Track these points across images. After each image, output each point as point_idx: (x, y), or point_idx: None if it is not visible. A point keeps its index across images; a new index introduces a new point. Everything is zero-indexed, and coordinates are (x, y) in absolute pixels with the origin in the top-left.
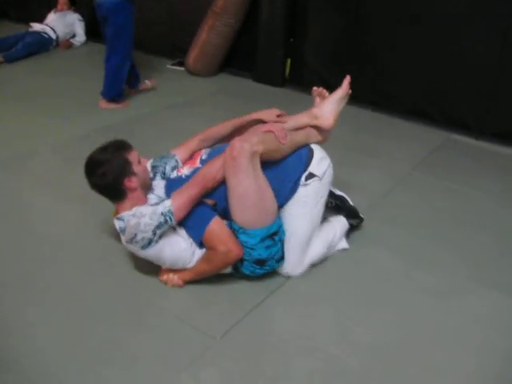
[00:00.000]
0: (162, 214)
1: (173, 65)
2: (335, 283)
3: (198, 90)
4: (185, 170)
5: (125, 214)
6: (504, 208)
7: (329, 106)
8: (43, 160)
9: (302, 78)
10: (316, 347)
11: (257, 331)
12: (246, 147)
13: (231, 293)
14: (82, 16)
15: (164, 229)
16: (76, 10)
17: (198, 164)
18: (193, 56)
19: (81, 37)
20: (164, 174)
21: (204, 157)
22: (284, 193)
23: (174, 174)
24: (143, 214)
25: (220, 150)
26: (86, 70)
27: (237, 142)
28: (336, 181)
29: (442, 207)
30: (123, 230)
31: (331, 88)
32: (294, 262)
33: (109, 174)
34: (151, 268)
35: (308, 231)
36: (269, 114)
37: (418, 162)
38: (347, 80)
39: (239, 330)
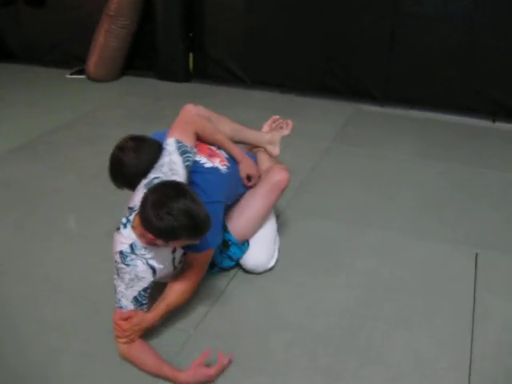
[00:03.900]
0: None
1: (72, 74)
2: (287, 257)
3: (104, 96)
4: (217, 164)
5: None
6: (420, 164)
7: (278, 139)
8: None
9: (206, 70)
10: (287, 321)
11: (228, 317)
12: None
13: None
14: None
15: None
16: None
17: (226, 163)
18: (93, 62)
19: None
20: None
21: (227, 163)
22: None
23: (205, 164)
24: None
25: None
26: None
27: (287, 174)
28: None
29: (366, 172)
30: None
31: (237, 78)
32: (271, 254)
33: (165, 219)
34: None
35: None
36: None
37: (334, 134)
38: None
39: (210, 319)
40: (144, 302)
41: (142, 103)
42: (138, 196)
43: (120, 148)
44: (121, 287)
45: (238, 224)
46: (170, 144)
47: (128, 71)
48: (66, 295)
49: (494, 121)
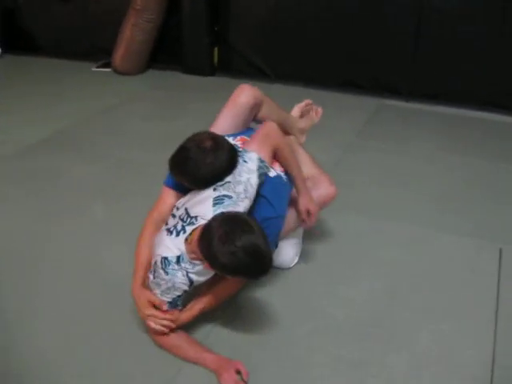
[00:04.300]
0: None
1: (98, 67)
2: (311, 249)
3: (130, 89)
4: (278, 170)
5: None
6: (444, 159)
7: (309, 128)
8: None
9: (231, 64)
10: (311, 309)
11: (252, 305)
12: None
13: None
14: None
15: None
16: None
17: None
18: (119, 55)
19: None
20: None
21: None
22: None
23: (270, 173)
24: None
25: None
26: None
27: (335, 190)
28: None
29: (391, 167)
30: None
31: (261, 72)
32: (295, 253)
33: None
34: None
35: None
36: None
37: (359, 129)
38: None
39: (234, 306)
40: (179, 303)
41: (168, 96)
42: (204, 206)
43: (199, 146)
44: (155, 291)
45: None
46: (254, 161)
47: (153, 65)
48: (95, 280)
49: None
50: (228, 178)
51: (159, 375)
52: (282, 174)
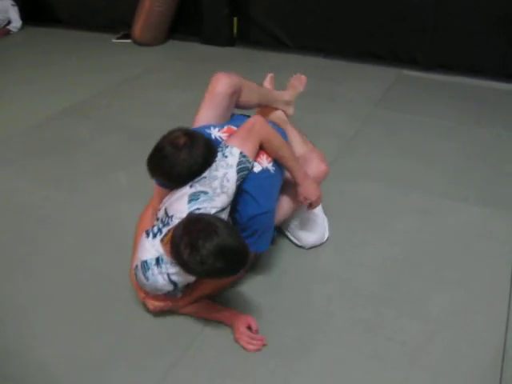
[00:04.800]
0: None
1: (118, 38)
2: (329, 215)
3: (150, 60)
4: (265, 163)
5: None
6: (462, 129)
7: (294, 98)
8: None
9: (250, 35)
10: (328, 274)
11: (271, 270)
12: None
13: None
14: (15, 0)
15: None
16: None
17: (266, 155)
18: (139, 26)
19: (17, 22)
20: None
21: None
22: None
23: (255, 168)
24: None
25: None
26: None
27: (326, 166)
28: (304, 127)
29: (409, 137)
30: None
31: (281, 43)
32: (323, 232)
33: (201, 266)
34: None
35: None
36: None
37: (377, 99)
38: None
39: (254, 272)
40: (177, 293)
41: (187, 67)
42: (179, 204)
43: (173, 144)
44: (145, 289)
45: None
46: (234, 156)
47: (173, 35)
48: (118, 247)
49: None
50: (204, 174)
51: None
52: (270, 166)
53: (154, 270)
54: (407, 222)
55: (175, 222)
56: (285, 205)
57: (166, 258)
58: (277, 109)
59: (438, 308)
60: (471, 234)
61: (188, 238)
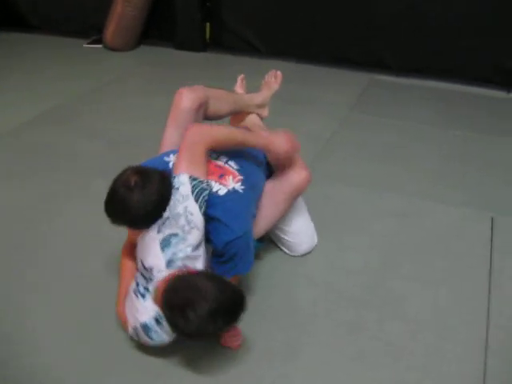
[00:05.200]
0: None
1: (89, 43)
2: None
3: (122, 65)
4: (232, 184)
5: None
6: (436, 132)
7: (269, 98)
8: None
9: (223, 40)
10: (312, 279)
11: (256, 274)
12: None
13: None
14: None
15: None
16: None
17: (239, 176)
18: (110, 31)
19: None
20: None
21: (241, 176)
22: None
23: (219, 191)
24: None
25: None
26: None
27: (308, 173)
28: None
29: (385, 140)
30: None
31: (254, 48)
32: (312, 238)
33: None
34: None
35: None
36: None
37: (352, 103)
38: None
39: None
40: None
41: (160, 72)
42: (153, 256)
43: (125, 185)
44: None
45: (255, 226)
46: (185, 184)
47: (145, 41)
48: (102, 255)
49: (508, 92)
50: (166, 214)
51: None
52: (237, 186)
53: (157, 329)
54: (386, 224)
55: (158, 275)
56: (267, 213)
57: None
58: (251, 113)
59: (419, 307)
60: (449, 235)
61: (178, 311)
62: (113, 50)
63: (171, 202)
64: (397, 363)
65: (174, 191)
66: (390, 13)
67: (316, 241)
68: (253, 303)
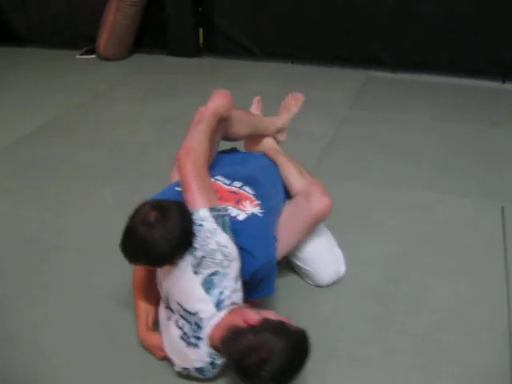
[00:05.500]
0: None
1: (82, 54)
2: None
3: (117, 74)
4: (250, 208)
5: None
6: (436, 126)
7: (288, 123)
8: None
9: (217, 44)
10: None
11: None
12: None
13: None
14: None
15: None
16: None
17: (256, 200)
18: (103, 41)
19: None
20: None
21: (258, 200)
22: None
23: (238, 217)
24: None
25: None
26: None
27: (329, 200)
28: None
29: (386, 136)
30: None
31: (248, 51)
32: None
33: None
34: None
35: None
36: None
37: (351, 101)
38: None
39: None
40: None
41: (155, 80)
42: (198, 300)
43: (145, 222)
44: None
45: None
46: (207, 219)
47: (138, 49)
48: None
49: (503, 82)
50: (199, 253)
51: None
52: (256, 211)
53: (213, 370)
54: (399, 218)
55: (210, 323)
56: (283, 240)
57: (220, 357)
58: (267, 136)
59: (442, 298)
60: (462, 225)
61: (251, 373)
62: (106, 59)
63: (200, 241)
64: (427, 353)
65: (197, 228)
66: (385, 10)
67: (343, 270)
68: (276, 307)
